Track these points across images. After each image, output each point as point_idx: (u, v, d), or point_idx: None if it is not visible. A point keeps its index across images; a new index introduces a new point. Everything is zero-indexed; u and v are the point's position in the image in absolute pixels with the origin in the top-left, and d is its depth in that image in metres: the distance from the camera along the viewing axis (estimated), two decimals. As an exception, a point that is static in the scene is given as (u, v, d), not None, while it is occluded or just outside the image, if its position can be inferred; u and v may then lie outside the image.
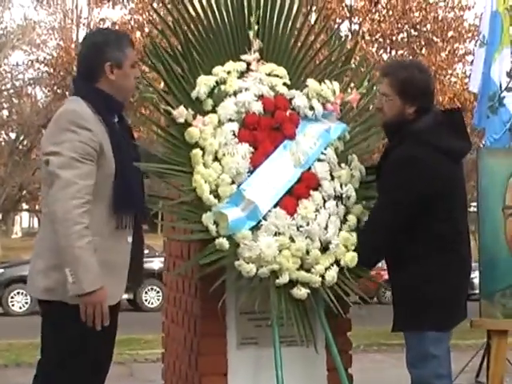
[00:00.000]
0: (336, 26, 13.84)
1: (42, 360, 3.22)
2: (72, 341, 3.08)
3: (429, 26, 18.94)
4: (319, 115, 3.83)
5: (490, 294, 4.61)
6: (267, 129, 3.68)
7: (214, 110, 3.66)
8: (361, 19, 18.62)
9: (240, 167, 3.51)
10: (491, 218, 4.65)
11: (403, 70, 3.54)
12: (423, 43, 19.06)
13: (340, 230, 3.63)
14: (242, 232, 3.41)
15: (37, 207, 33.40)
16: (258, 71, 3.82)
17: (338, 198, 3.70)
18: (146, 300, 15.80)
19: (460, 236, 3.56)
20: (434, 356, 3.44)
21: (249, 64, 3.83)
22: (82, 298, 2.98)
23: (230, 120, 3.62)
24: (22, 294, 14.77)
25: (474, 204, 4.98)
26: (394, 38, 19.11)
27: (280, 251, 3.45)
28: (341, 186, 3.71)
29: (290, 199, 3.57)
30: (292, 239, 3.50)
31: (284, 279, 3.45)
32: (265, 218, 3.48)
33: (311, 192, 3.62)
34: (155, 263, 14.78)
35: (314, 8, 4.38)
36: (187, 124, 3.60)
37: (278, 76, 3.86)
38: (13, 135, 27.84)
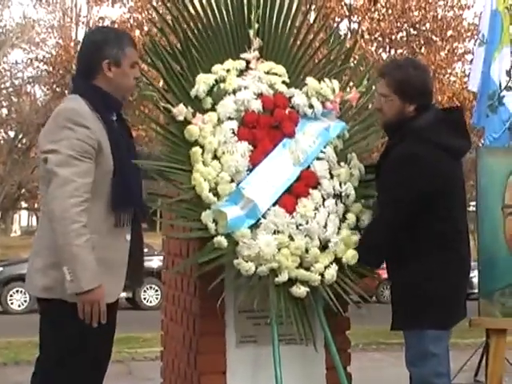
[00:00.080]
0: (335, 25, 13.90)
1: (40, 358, 3.22)
2: (70, 339, 3.08)
3: (428, 25, 18.93)
4: (318, 114, 3.83)
5: (489, 293, 4.61)
6: (266, 127, 3.68)
7: (213, 108, 3.66)
8: (360, 18, 18.61)
9: (239, 165, 3.52)
10: (490, 217, 4.65)
11: (399, 70, 3.54)
12: (422, 42, 19.04)
13: (339, 228, 3.64)
14: (241, 230, 3.41)
15: (36, 205, 33.43)
16: (257, 69, 3.82)
17: (338, 196, 3.70)
18: (144, 298, 15.79)
19: (460, 235, 3.56)
20: (434, 354, 3.44)
21: (248, 62, 3.83)
22: (80, 296, 2.98)
23: (230, 118, 3.63)
24: (21, 292, 14.77)
25: (473, 203, 4.98)
26: (393, 37, 19.09)
27: (279, 249, 3.45)
28: (340, 184, 3.71)
29: (289, 198, 3.57)
30: (291, 237, 3.50)
31: (283, 277, 3.45)
32: (264, 217, 3.48)
33: (310, 190, 3.62)
34: (154, 262, 14.76)
35: (313, 7, 4.36)
36: (187, 122, 3.61)
37: (277, 74, 3.87)
38: (12, 134, 27.84)
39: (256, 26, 3.89)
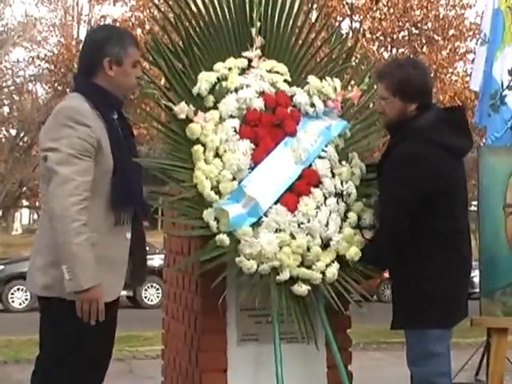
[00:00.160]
0: (337, 24, 13.90)
1: (40, 356, 3.22)
2: (70, 337, 3.07)
3: (430, 25, 18.93)
4: (320, 112, 3.84)
5: (490, 292, 4.60)
6: (268, 125, 3.68)
7: (215, 107, 3.66)
8: (362, 17, 18.61)
9: (241, 164, 3.52)
10: (492, 217, 4.64)
11: (398, 71, 3.54)
12: (424, 41, 19.05)
13: (341, 227, 3.64)
14: (242, 228, 3.42)
15: (37, 204, 33.40)
16: (259, 68, 3.82)
17: (339, 195, 3.71)
18: (145, 297, 15.78)
19: (461, 234, 3.56)
20: (436, 354, 3.44)
21: (250, 61, 3.83)
22: (79, 295, 2.98)
23: (231, 116, 3.63)
24: (22, 290, 14.76)
25: (475, 203, 4.97)
26: (394, 36, 19.10)
27: (281, 248, 3.45)
28: (341, 183, 3.72)
29: (291, 196, 3.58)
30: (293, 236, 3.50)
31: (285, 276, 3.45)
32: (266, 215, 3.48)
33: (312, 189, 3.63)
34: (155, 260, 14.74)
35: (315, 6, 4.37)
36: (188, 120, 3.61)
37: (278, 73, 3.87)
38: (13, 132, 27.86)
39: (258, 24, 3.89)
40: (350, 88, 4.00)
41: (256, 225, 3.46)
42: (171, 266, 4.24)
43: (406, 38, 19.37)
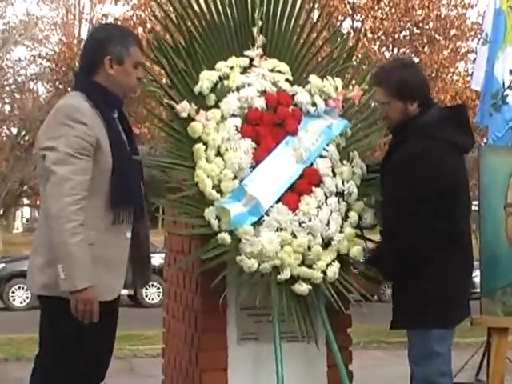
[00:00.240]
0: (338, 24, 13.89)
1: (40, 354, 3.23)
2: (69, 335, 3.07)
3: (431, 24, 18.93)
4: (321, 111, 3.84)
5: (490, 292, 4.60)
6: (270, 124, 3.68)
7: (216, 105, 3.66)
8: (363, 16, 18.61)
9: (242, 162, 3.52)
10: (493, 216, 4.64)
11: (393, 74, 3.54)
12: (425, 41, 19.05)
13: (341, 226, 3.64)
14: (243, 227, 3.42)
15: (38, 202, 33.39)
16: (260, 67, 3.82)
17: (340, 194, 3.71)
18: (146, 296, 15.77)
19: (462, 235, 3.55)
20: (438, 354, 3.44)
21: (252, 60, 3.84)
22: (74, 295, 2.98)
23: (233, 115, 3.63)
24: (23, 288, 14.73)
25: (475, 203, 4.97)
26: (396, 36, 19.10)
27: (282, 247, 3.46)
28: (342, 182, 3.72)
29: (292, 195, 3.58)
30: (294, 235, 3.50)
31: (285, 275, 3.46)
32: (267, 214, 3.49)
33: (313, 188, 3.63)
34: (156, 259, 14.68)
35: (316, 5, 4.36)
36: (190, 119, 3.61)
37: (280, 72, 3.87)
38: (14, 130, 27.83)
39: (260, 23, 3.89)
40: (350, 87, 4.00)
41: (257, 224, 3.46)
42: (172, 265, 4.24)
43: (408, 37, 19.38)
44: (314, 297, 3.53)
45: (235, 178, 3.52)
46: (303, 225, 3.53)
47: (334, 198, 3.67)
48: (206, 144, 3.56)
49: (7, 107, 27.15)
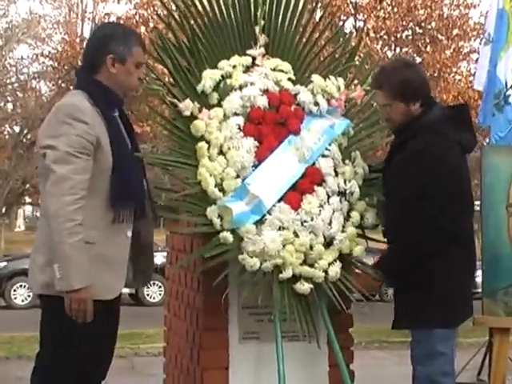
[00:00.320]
0: (341, 23, 13.87)
1: (40, 353, 3.23)
2: (69, 334, 3.07)
3: (434, 24, 18.90)
4: (324, 111, 3.84)
5: (492, 292, 4.60)
6: (272, 123, 3.68)
7: (219, 104, 3.67)
8: (365, 16, 18.59)
9: (245, 161, 3.52)
10: (495, 214, 4.64)
11: (394, 76, 3.52)
12: (428, 41, 19.02)
13: (343, 226, 3.64)
14: (246, 226, 3.42)
15: (40, 201, 33.35)
16: (263, 66, 3.82)
17: (342, 193, 3.71)
18: (147, 295, 15.79)
19: (465, 233, 3.54)
20: (441, 353, 3.43)
21: (254, 59, 3.84)
22: (69, 295, 2.98)
23: (236, 114, 3.63)
24: (25, 287, 14.75)
25: (477, 203, 4.96)
26: (398, 36, 19.08)
27: (284, 246, 3.46)
28: (344, 182, 3.72)
29: (295, 194, 3.58)
30: (296, 234, 3.51)
31: (287, 274, 3.46)
32: (269, 213, 3.49)
33: (315, 187, 3.63)
34: (157, 258, 14.72)
35: (319, 5, 4.36)
36: (193, 117, 3.61)
37: (282, 71, 3.87)
38: (17, 129, 27.82)
39: (262, 22, 3.89)
40: (353, 87, 4.00)
41: (259, 222, 3.47)
42: (173, 263, 4.24)
43: (410, 37, 19.36)
44: (315, 296, 3.53)
45: (238, 176, 3.52)
46: (305, 224, 3.53)
47: (336, 197, 3.67)
48: (208, 142, 3.56)
49: (10, 105, 27.15)
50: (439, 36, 18.89)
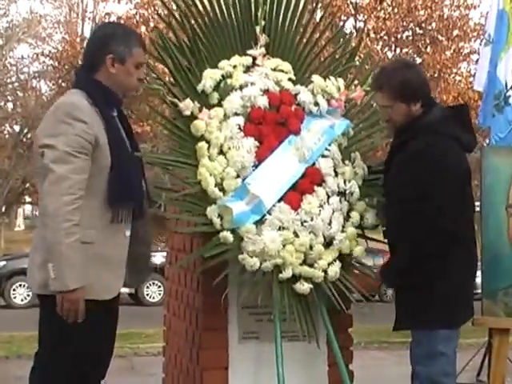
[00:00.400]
0: (341, 24, 13.87)
1: (39, 352, 3.23)
2: (67, 334, 3.06)
3: (434, 25, 18.91)
4: (324, 111, 3.84)
5: (492, 293, 4.59)
6: (272, 123, 3.68)
7: (219, 104, 3.67)
8: (366, 17, 18.60)
9: (245, 161, 3.52)
10: (495, 215, 4.63)
11: (394, 76, 3.51)
12: (428, 41, 19.03)
13: (343, 226, 3.64)
14: (246, 226, 3.42)
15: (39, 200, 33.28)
16: (263, 66, 3.82)
17: (342, 194, 3.71)
18: (147, 294, 15.80)
19: (466, 233, 3.53)
20: (443, 354, 3.42)
21: (254, 59, 3.84)
22: (63, 295, 2.97)
23: (236, 114, 3.63)
24: (24, 286, 14.75)
25: (477, 203, 4.96)
26: (398, 36, 19.09)
27: (284, 246, 3.46)
28: (344, 182, 3.72)
29: (295, 194, 3.58)
30: (296, 234, 3.51)
31: (287, 274, 3.46)
32: (269, 213, 3.49)
33: (315, 187, 3.63)
34: (157, 258, 14.76)
35: (319, 5, 4.36)
36: (193, 117, 3.61)
37: (283, 71, 3.87)
38: (17, 128, 27.82)
39: (263, 22, 3.90)
40: (353, 88, 4.01)
41: (259, 222, 3.47)
42: (173, 263, 4.24)
43: (410, 37, 19.37)
44: (315, 296, 3.53)
45: (238, 176, 3.52)
46: (305, 224, 3.54)
47: (336, 197, 3.67)
48: (208, 142, 3.57)
49: (10, 105, 27.16)
50: (439, 37, 18.90)
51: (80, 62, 3.44)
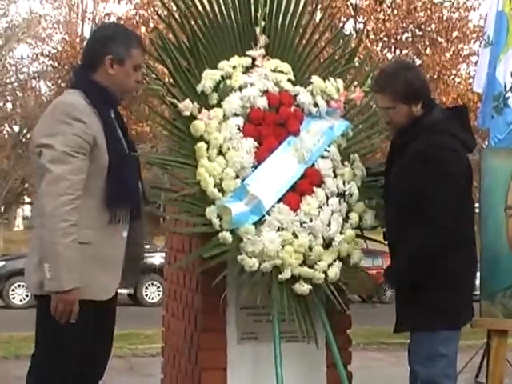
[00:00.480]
0: (341, 25, 13.87)
1: (35, 353, 3.22)
2: (63, 334, 3.06)
3: (433, 26, 18.91)
4: (323, 112, 3.84)
5: (491, 294, 4.59)
6: (272, 124, 3.69)
7: (219, 105, 3.67)
8: (366, 18, 18.60)
9: (244, 162, 3.52)
10: (494, 216, 4.63)
11: (396, 78, 3.50)
12: (427, 43, 19.03)
13: (342, 228, 3.64)
14: (245, 226, 3.42)
15: (38, 201, 33.20)
16: (263, 67, 3.83)
17: (341, 195, 3.71)
18: (146, 295, 15.81)
19: (467, 233, 3.52)
20: (444, 355, 3.42)
21: (254, 59, 3.84)
22: (58, 295, 2.97)
23: (235, 114, 3.63)
24: (23, 286, 14.74)
25: (476, 205, 4.96)
26: (398, 38, 19.09)
27: (283, 246, 3.46)
28: (343, 183, 3.72)
29: (294, 195, 3.58)
30: (295, 235, 3.51)
31: (286, 274, 3.46)
32: (268, 213, 3.49)
33: (314, 188, 3.63)
34: (156, 258, 14.79)
35: (319, 6, 4.37)
36: (192, 117, 3.61)
37: (282, 72, 3.87)
38: (16, 128, 27.82)
39: (262, 23, 3.90)
40: (352, 89, 4.01)
41: (258, 223, 3.47)
42: (172, 263, 4.24)
43: (410, 39, 19.37)
44: (314, 297, 3.53)
45: (237, 177, 3.52)
46: (304, 225, 3.54)
47: (335, 198, 3.67)
48: (208, 143, 3.57)
49: (9, 105, 27.16)
50: (439, 38, 18.90)
51: (79, 62, 3.43)
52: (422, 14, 18.70)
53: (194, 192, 3.48)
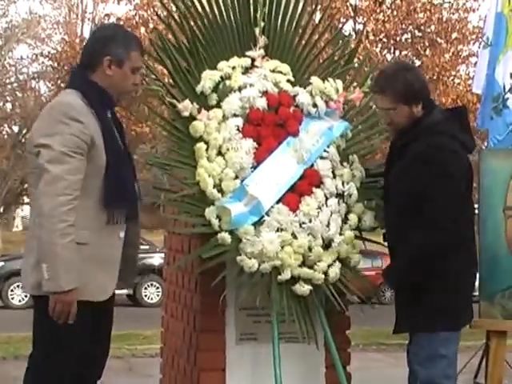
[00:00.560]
0: (340, 26, 13.88)
1: (33, 353, 3.22)
2: (61, 335, 3.05)
3: (433, 27, 18.91)
4: (322, 113, 3.85)
5: (490, 295, 4.59)
6: (271, 125, 3.69)
7: (218, 105, 3.67)
8: (365, 19, 18.59)
9: (244, 162, 3.53)
10: (493, 217, 4.63)
11: (396, 79, 3.50)
12: (427, 44, 19.03)
13: (341, 228, 3.64)
14: (244, 227, 3.42)
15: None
16: (262, 67, 3.83)
17: (340, 196, 3.71)
18: (145, 295, 15.79)
19: (466, 234, 3.52)
20: (444, 356, 3.42)
21: (253, 60, 3.85)
22: (56, 296, 2.96)
23: (235, 115, 3.64)
24: (22, 287, 14.73)
25: (475, 206, 4.96)
26: (398, 39, 19.08)
27: (282, 247, 3.46)
28: (342, 184, 3.72)
29: (293, 196, 3.59)
30: (294, 235, 3.51)
31: (286, 275, 3.46)
32: (267, 214, 3.49)
33: (314, 189, 3.63)
34: (155, 259, 14.79)
35: (318, 7, 4.37)
36: (192, 118, 3.62)
37: (282, 73, 3.87)
38: (16, 129, 27.82)
39: (262, 24, 3.90)
40: (351, 89, 4.01)
41: (258, 224, 3.47)
42: (171, 264, 4.24)
43: (409, 40, 19.36)
44: (314, 297, 3.53)
45: (236, 177, 3.52)
46: (303, 225, 3.54)
47: (335, 199, 3.67)
48: (207, 143, 3.57)
49: (9, 105, 27.14)
50: (438, 39, 18.90)
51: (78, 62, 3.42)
52: (421, 15, 18.69)
53: (194, 192, 3.48)
